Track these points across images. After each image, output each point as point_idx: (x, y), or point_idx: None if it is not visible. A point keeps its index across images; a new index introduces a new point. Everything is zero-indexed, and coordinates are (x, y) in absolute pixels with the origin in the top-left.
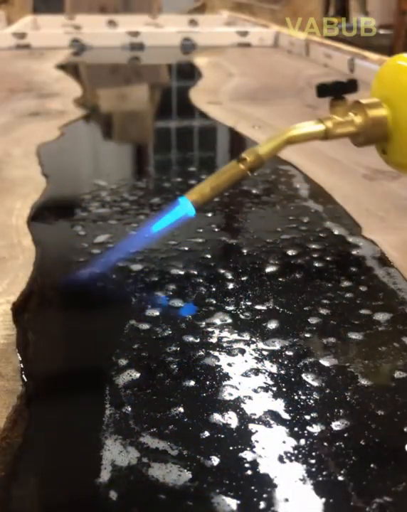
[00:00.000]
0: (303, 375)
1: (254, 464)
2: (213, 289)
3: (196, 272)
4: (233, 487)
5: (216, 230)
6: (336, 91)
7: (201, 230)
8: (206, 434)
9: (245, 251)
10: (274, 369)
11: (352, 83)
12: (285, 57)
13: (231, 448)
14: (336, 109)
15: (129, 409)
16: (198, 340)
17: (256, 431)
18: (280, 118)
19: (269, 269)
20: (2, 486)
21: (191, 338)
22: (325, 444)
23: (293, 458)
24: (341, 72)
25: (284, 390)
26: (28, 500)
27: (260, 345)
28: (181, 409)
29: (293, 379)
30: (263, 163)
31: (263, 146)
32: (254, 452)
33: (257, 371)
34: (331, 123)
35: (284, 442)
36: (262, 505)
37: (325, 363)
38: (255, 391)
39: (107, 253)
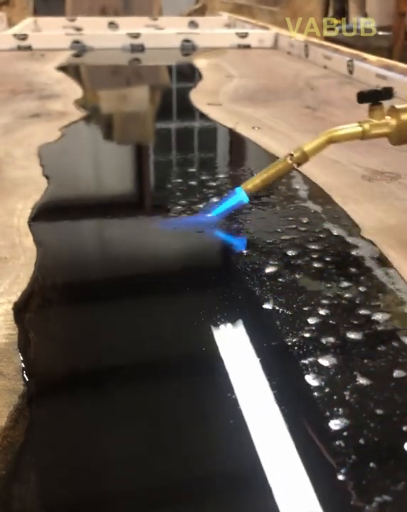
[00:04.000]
0: (303, 375)
1: (254, 464)
2: (213, 290)
3: (195, 272)
4: (233, 486)
5: (216, 230)
6: (374, 98)
7: (201, 230)
8: (207, 433)
9: (245, 251)
10: (274, 369)
11: (388, 91)
12: (285, 59)
13: (231, 447)
14: (373, 114)
15: (130, 408)
16: (198, 340)
17: (256, 430)
18: (280, 119)
19: (269, 270)
20: (3, 484)
21: (191, 339)
22: (325, 442)
23: (293, 457)
24: (340, 73)
25: (284, 389)
26: (29, 498)
27: (260, 345)
28: (182, 409)
29: (293, 378)
30: (307, 159)
31: (308, 144)
32: (254, 451)
33: (257, 371)
34: (368, 125)
35: (284, 441)
36: (261, 504)
37: (324, 362)
38: (255, 391)
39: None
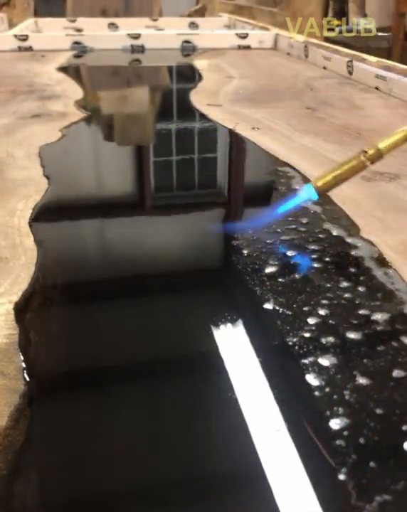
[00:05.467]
0: (302, 374)
1: (253, 463)
2: (213, 290)
3: (196, 273)
4: (232, 486)
5: (216, 230)
6: None
7: (201, 231)
8: (207, 433)
9: (245, 251)
10: (273, 368)
11: None
12: (284, 60)
13: (230, 446)
14: None
15: (131, 408)
16: (198, 340)
17: (256, 430)
18: (280, 120)
19: (269, 270)
20: (4, 483)
21: (191, 339)
22: (324, 442)
23: (293, 456)
24: (340, 74)
25: (284, 389)
26: (29, 497)
27: (260, 344)
28: (182, 409)
29: (293, 378)
30: (382, 157)
31: (384, 141)
32: (253, 451)
33: (256, 370)
34: None
35: (284, 441)
36: (261, 504)
37: (324, 362)
38: (255, 390)
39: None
